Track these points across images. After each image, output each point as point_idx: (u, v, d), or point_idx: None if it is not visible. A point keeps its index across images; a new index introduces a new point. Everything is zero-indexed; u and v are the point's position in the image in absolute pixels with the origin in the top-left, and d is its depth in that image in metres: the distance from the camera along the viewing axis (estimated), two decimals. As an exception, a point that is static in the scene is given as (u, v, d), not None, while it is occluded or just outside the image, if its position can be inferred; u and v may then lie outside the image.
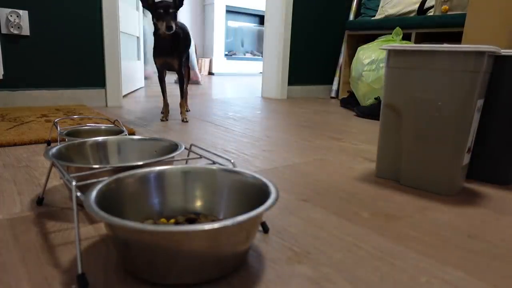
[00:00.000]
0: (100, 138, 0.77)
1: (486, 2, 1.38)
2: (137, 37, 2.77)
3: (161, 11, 1.38)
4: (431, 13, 2.25)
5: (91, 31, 1.81)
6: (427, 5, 2.28)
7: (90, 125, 0.95)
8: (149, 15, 2.91)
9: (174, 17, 1.40)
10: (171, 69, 1.53)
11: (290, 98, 2.64)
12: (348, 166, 0.99)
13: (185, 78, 1.65)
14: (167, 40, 1.45)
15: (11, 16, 1.59)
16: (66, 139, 0.83)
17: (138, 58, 2.82)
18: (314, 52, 2.75)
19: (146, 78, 3.76)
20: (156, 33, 1.45)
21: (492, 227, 0.65)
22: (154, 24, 1.42)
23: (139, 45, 2.82)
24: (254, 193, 0.53)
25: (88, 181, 0.53)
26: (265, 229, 0.59)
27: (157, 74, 1.56)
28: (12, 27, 1.60)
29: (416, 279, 0.48)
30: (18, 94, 1.68)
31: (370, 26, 2.53)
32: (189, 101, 2.13)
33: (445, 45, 0.75)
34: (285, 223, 0.63)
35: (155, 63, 1.52)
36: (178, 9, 1.42)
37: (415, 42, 2.25)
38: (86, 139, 0.76)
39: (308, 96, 2.79)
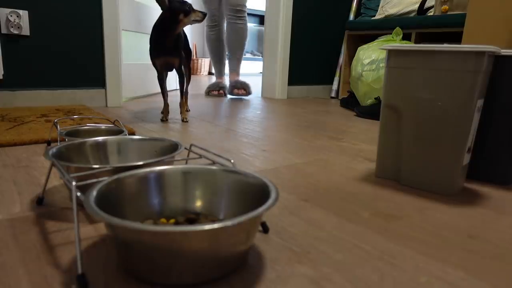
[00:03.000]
0: (100, 138, 0.77)
1: (486, 2, 1.38)
2: None
3: (187, 8, 1.41)
4: (431, 13, 2.25)
5: (91, 31, 1.81)
6: (427, 5, 2.28)
7: (90, 125, 0.95)
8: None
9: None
10: (170, 69, 1.49)
11: (290, 98, 2.64)
12: (348, 166, 0.99)
13: (186, 78, 1.64)
14: (171, 38, 1.41)
15: (11, 16, 1.60)
16: (66, 139, 0.83)
17: None
18: (314, 52, 2.75)
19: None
20: (157, 30, 1.40)
21: (492, 227, 0.65)
22: (164, 20, 1.39)
23: None
24: (254, 193, 0.53)
25: (88, 181, 0.53)
26: (265, 229, 0.59)
27: (157, 75, 1.51)
28: (12, 27, 1.60)
29: (416, 279, 0.48)
30: (18, 94, 1.68)
31: (370, 26, 2.53)
32: (189, 101, 2.13)
33: (445, 45, 0.75)
34: (285, 223, 0.63)
35: (155, 64, 1.46)
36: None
37: (415, 42, 2.25)
38: (86, 139, 0.76)
39: (308, 96, 2.79)
